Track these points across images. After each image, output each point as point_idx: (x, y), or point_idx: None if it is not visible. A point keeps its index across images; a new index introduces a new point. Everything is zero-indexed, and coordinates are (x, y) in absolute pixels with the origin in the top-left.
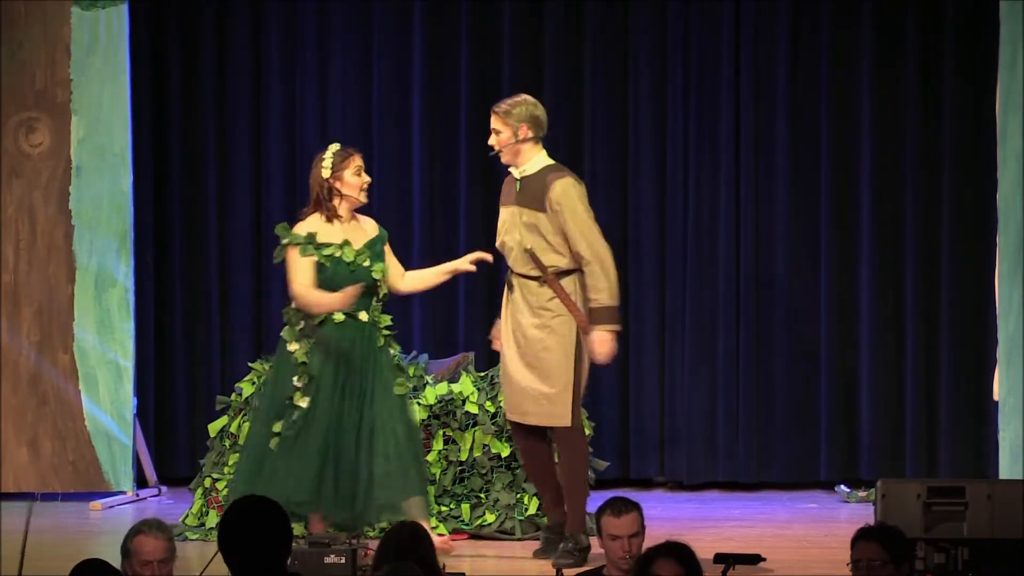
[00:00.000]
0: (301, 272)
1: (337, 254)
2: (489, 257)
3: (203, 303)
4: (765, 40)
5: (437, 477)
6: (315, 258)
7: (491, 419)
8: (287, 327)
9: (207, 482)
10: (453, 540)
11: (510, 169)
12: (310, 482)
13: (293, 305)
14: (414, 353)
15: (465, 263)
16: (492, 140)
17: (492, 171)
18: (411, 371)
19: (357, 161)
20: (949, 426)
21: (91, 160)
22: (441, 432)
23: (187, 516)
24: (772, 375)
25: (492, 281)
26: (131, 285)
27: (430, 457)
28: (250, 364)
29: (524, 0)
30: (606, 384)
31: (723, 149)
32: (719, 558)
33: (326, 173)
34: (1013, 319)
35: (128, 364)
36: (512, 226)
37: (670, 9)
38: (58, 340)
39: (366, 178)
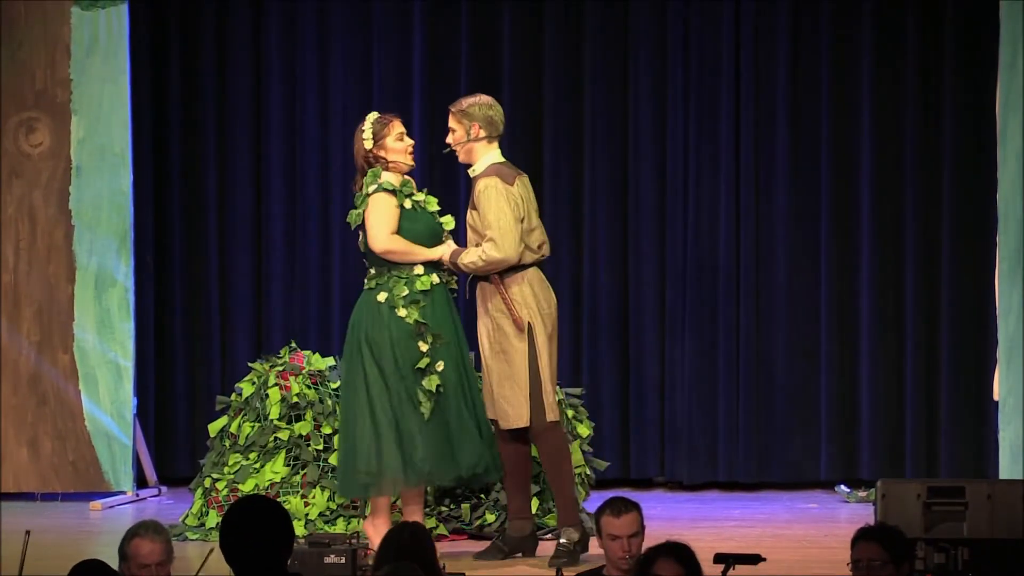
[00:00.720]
0: (391, 219)
1: (424, 203)
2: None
3: (203, 303)
4: (765, 40)
5: None
6: (403, 206)
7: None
8: (386, 292)
9: (207, 482)
10: (453, 539)
11: (468, 170)
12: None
13: (379, 270)
14: None
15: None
16: (449, 139)
17: None
18: None
19: (398, 126)
20: (949, 426)
21: (91, 160)
22: None
23: (187, 516)
24: (772, 375)
25: None
26: (131, 285)
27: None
28: (250, 364)
29: (524, 0)
30: (606, 384)
31: (723, 149)
32: (719, 558)
33: (368, 144)
34: (1013, 319)
35: (128, 364)
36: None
37: (670, 9)
38: (58, 340)
39: (410, 141)
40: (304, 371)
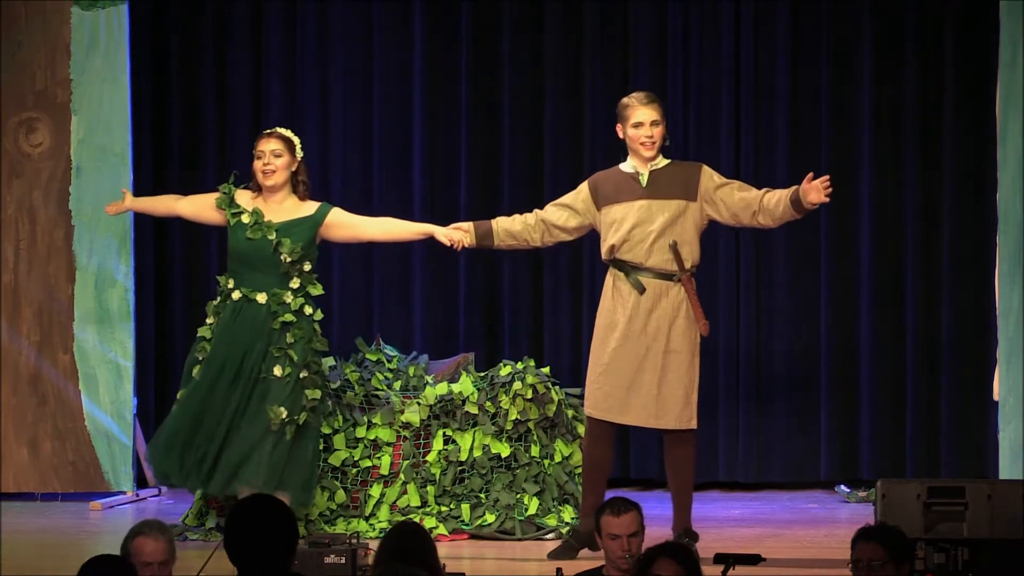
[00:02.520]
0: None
1: (243, 220)
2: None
3: (203, 303)
4: (765, 39)
5: (437, 477)
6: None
7: (491, 419)
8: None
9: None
10: (453, 539)
11: (640, 163)
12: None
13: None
14: (414, 353)
15: (443, 234)
16: (654, 132)
17: (492, 171)
18: (411, 371)
19: (259, 144)
20: (949, 426)
21: (91, 160)
22: (441, 432)
23: (187, 516)
24: (772, 375)
25: (492, 282)
26: (131, 285)
27: (430, 457)
28: None
29: (525, 0)
30: None
31: (723, 149)
32: (719, 558)
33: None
34: (1013, 319)
35: (128, 364)
36: (645, 219)
37: (670, 8)
38: (58, 340)
39: (265, 162)
40: None
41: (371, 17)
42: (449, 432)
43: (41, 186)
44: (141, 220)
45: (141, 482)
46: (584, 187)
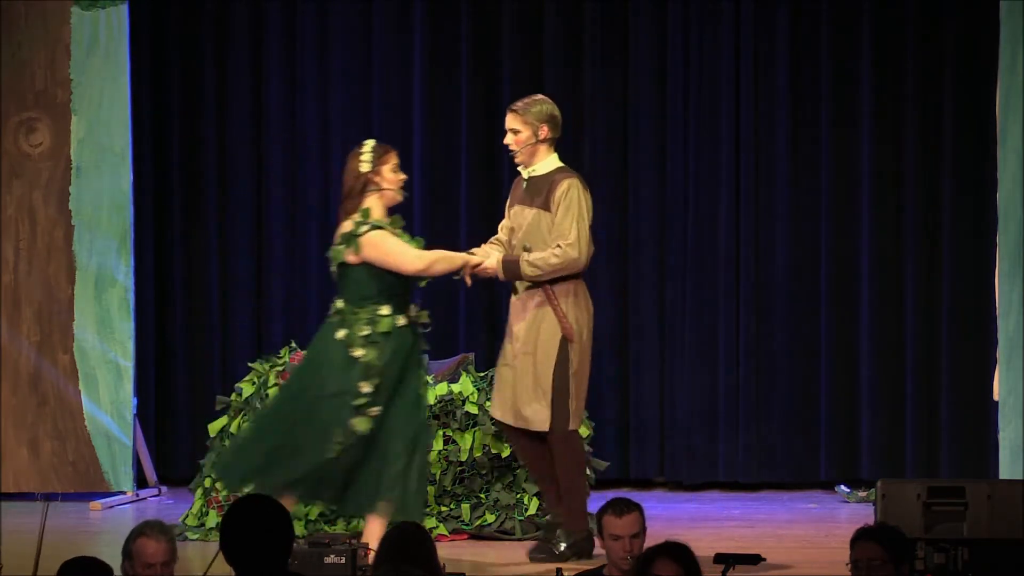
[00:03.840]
0: (402, 243)
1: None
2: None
3: (203, 303)
4: (765, 40)
5: (437, 477)
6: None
7: (491, 419)
8: (347, 330)
9: (207, 482)
10: (453, 539)
11: (519, 169)
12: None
13: (347, 304)
14: None
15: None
16: (509, 139)
17: (493, 170)
18: None
19: (395, 158)
20: (949, 426)
21: (91, 160)
22: (441, 432)
23: (187, 516)
24: (772, 375)
25: (492, 282)
26: (131, 285)
27: (430, 457)
28: (250, 364)
29: (524, 2)
30: (606, 384)
31: (723, 149)
32: (719, 558)
33: (366, 167)
34: (1013, 319)
35: (128, 364)
36: (516, 225)
37: (670, 10)
38: (58, 340)
39: (404, 176)
40: None
41: (371, 17)
42: (449, 432)
43: (41, 186)
44: (141, 220)
45: (141, 482)
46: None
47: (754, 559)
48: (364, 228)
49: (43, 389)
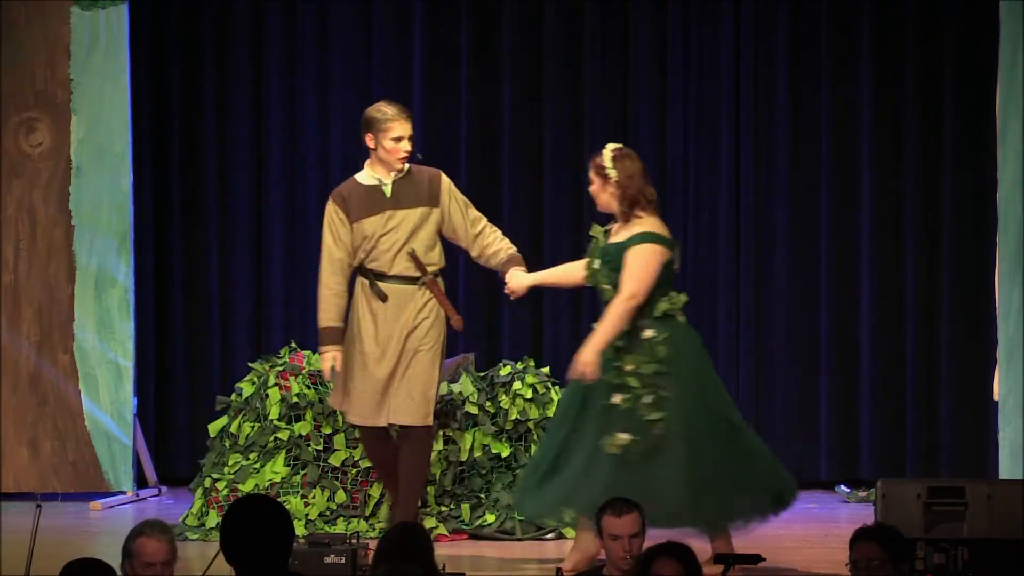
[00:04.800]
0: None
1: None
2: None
3: (203, 303)
4: (765, 40)
5: (437, 477)
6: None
7: (491, 419)
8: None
9: (207, 482)
10: (453, 539)
11: (377, 175)
12: None
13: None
14: None
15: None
16: (411, 146)
17: (492, 168)
18: None
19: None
20: (949, 426)
21: (91, 160)
22: (441, 432)
23: (187, 516)
24: (772, 375)
25: (491, 283)
26: (131, 285)
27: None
28: (250, 364)
29: (525, 1)
30: None
31: (723, 150)
32: (719, 558)
33: (635, 177)
34: (1013, 319)
35: (128, 364)
36: (391, 230)
37: (670, 10)
38: (58, 340)
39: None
40: (304, 371)
41: (371, 16)
42: (449, 432)
43: (41, 186)
44: (141, 220)
45: (141, 482)
46: (332, 208)
47: (754, 559)
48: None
49: (43, 389)
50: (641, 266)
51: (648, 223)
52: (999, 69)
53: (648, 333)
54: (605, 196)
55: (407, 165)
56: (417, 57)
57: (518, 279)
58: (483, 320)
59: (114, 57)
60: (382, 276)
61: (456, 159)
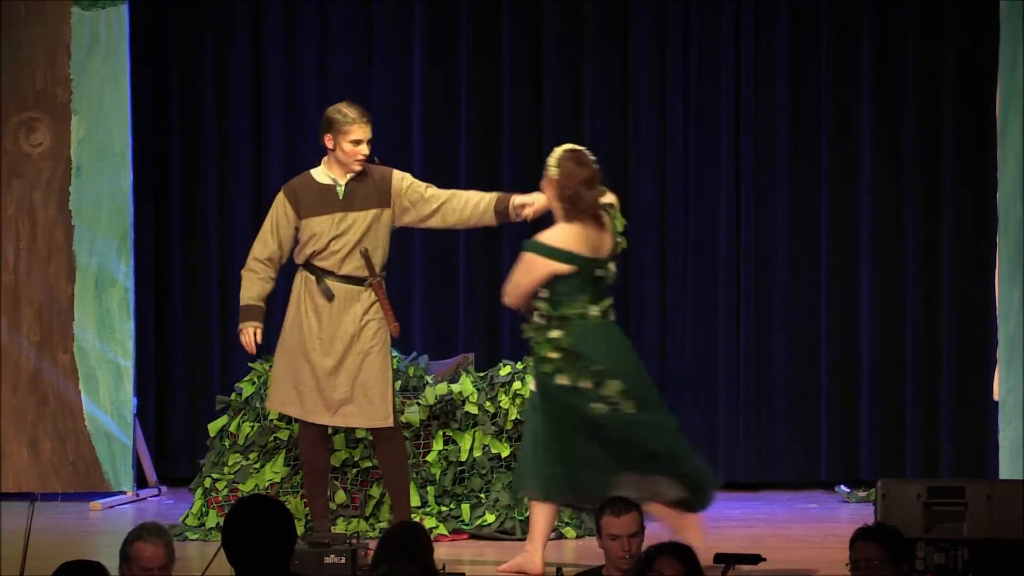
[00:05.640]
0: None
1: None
2: None
3: (203, 303)
4: (764, 40)
5: (437, 477)
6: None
7: (491, 419)
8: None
9: (207, 482)
10: (453, 539)
11: (332, 175)
12: None
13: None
14: (414, 354)
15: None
16: (368, 149)
17: (493, 168)
18: (411, 371)
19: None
20: (949, 426)
21: (91, 160)
22: (441, 432)
23: (187, 516)
24: (772, 374)
25: (492, 282)
26: (131, 285)
27: (430, 457)
28: (250, 364)
29: (524, 1)
30: None
31: (723, 149)
32: (719, 558)
33: (573, 180)
34: (1013, 319)
35: (128, 364)
36: (342, 231)
37: (670, 11)
38: (58, 340)
39: None
40: None
41: (371, 17)
42: (449, 432)
43: (41, 186)
44: (141, 220)
45: (141, 482)
46: (281, 201)
47: (754, 559)
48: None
49: (43, 389)
50: (518, 271)
51: (557, 232)
52: (999, 69)
53: (554, 334)
54: (547, 193)
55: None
56: (417, 57)
57: (532, 197)
58: (483, 320)
59: (114, 57)
60: (330, 274)
61: (456, 157)
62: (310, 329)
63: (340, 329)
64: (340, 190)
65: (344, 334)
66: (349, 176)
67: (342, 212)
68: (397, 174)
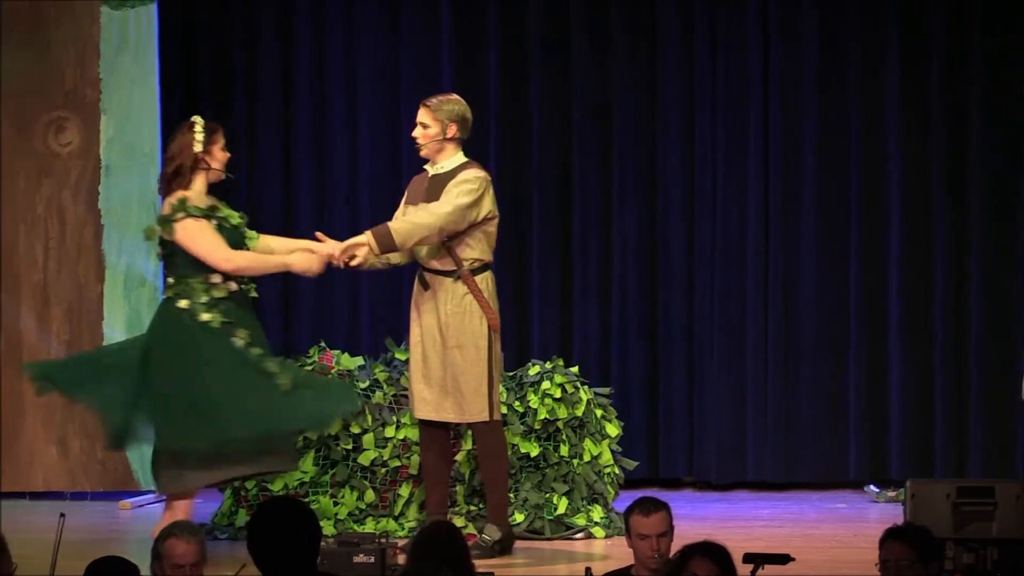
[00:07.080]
0: (217, 238)
1: (227, 218)
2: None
3: None
4: (792, 40)
5: (467, 476)
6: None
7: (520, 419)
8: (187, 300)
9: (236, 481)
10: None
11: (425, 166)
12: None
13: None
14: None
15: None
16: (417, 132)
17: (520, 164)
18: None
19: (223, 137)
20: (978, 426)
21: (120, 159)
22: (470, 432)
23: (216, 515)
24: (801, 374)
25: (521, 282)
26: (160, 284)
27: (459, 456)
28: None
29: (552, 2)
30: (635, 384)
31: (751, 151)
32: (748, 558)
33: (199, 147)
34: None
35: None
36: None
37: (696, 16)
38: (87, 339)
39: (228, 154)
40: (333, 371)
41: (398, 19)
42: None
43: (70, 185)
44: None
45: None
46: (488, 183)
47: (783, 559)
48: (180, 215)
49: None
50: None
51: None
52: None
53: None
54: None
55: (449, 161)
56: (445, 58)
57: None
58: (512, 320)
59: (143, 57)
60: (422, 266)
61: (485, 153)
62: (413, 323)
63: (431, 322)
64: (428, 182)
65: (440, 325)
66: (435, 168)
67: (422, 201)
68: (465, 172)
